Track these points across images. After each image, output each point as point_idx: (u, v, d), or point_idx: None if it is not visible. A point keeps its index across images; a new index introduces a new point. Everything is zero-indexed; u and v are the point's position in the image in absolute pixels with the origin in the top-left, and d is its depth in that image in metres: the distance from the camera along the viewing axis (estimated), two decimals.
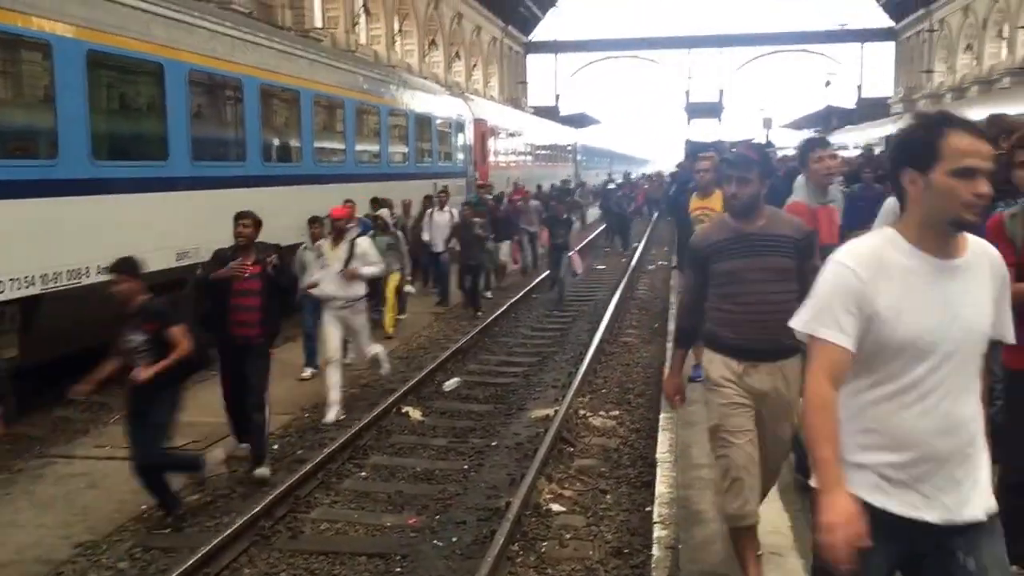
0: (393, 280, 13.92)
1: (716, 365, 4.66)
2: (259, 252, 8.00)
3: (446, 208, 17.34)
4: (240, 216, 8.04)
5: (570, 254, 17.74)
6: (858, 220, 8.60)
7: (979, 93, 45.85)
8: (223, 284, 7.91)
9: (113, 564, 6.33)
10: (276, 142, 15.22)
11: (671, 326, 9.68)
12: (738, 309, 4.55)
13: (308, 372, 11.50)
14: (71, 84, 9.69)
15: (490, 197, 21.12)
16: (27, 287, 8.98)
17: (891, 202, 6.44)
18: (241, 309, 7.90)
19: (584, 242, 27.64)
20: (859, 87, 67.45)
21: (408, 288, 14.61)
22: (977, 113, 23.48)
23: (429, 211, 17.40)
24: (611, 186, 34.88)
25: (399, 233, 14.26)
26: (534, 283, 19.04)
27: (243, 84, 13.36)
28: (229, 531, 6.37)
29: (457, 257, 16.62)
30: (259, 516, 6.75)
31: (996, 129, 6.07)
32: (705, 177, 8.89)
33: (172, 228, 11.39)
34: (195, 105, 12.30)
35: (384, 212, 14.14)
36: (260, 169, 13.83)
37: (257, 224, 8.07)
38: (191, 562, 5.88)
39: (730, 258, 4.56)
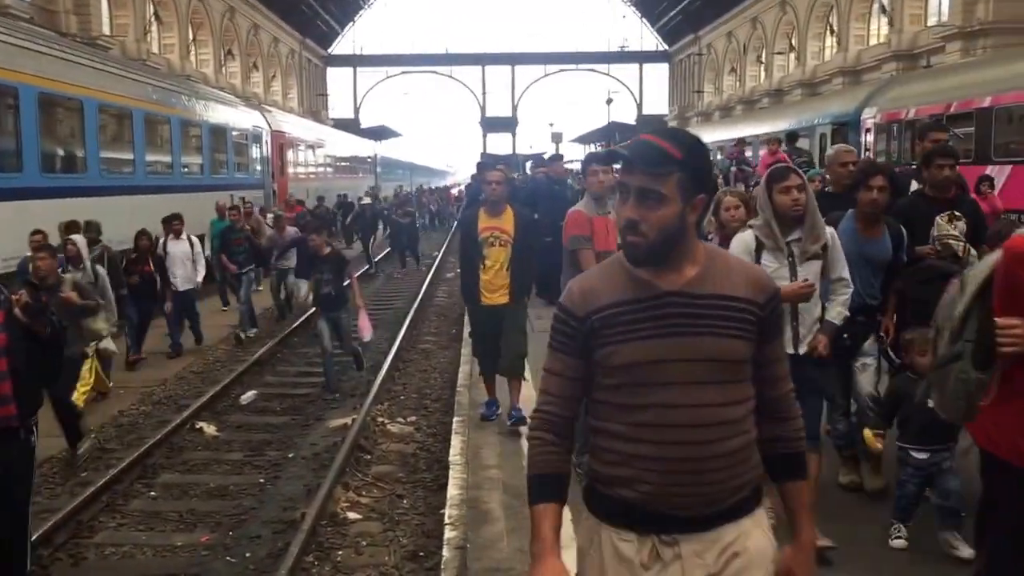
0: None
1: (601, 548, 2.47)
2: None
3: (183, 236, 13.67)
4: None
5: (358, 313, 11.74)
6: None
7: (743, 112, 49.57)
8: None
9: None
10: (59, 152, 14.57)
11: (467, 331, 9.44)
12: (646, 435, 2.38)
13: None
14: None
15: (247, 225, 15.92)
16: None
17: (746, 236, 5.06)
18: None
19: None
20: (639, 104, 71.25)
21: (108, 345, 9.88)
22: (738, 131, 25.03)
23: (162, 241, 13.56)
24: (365, 201, 30.08)
25: (99, 269, 10.21)
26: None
27: (19, 92, 12.73)
28: None
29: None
30: (36, 545, 6.38)
31: None
32: (497, 191, 7.84)
33: None
34: None
35: (78, 239, 10.34)
36: (39, 180, 13.20)
37: None
38: None
39: (632, 337, 2.39)
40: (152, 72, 22.64)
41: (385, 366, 11.76)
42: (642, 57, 73.01)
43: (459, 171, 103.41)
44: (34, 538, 6.22)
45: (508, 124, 72.91)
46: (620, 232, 2.44)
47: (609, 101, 66.94)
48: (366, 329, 11.69)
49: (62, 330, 5.41)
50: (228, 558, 6.49)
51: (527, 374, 8.14)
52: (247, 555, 6.53)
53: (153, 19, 37.83)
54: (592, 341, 2.42)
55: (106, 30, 33.29)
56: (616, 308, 2.41)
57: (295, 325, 15.12)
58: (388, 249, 28.20)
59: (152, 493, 7.85)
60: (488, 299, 7.85)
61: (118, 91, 16.47)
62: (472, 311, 8.41)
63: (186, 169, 20.05)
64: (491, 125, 73.09)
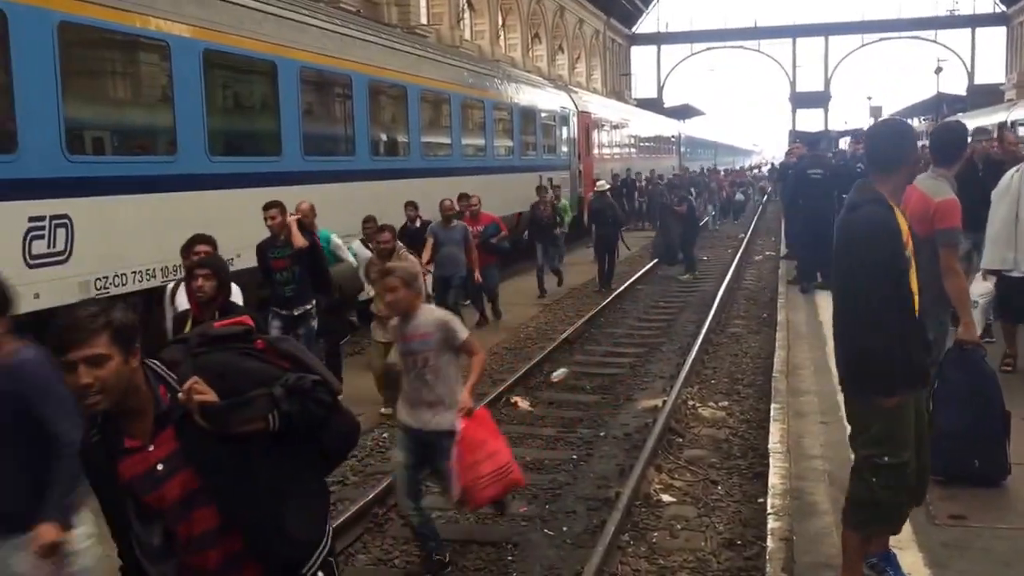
0: None
1: None
2: None
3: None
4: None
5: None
6: None
7: None
8: None
9: None
10: (384, 137, 15.44)
11: (780, 316, 8.99)
12: None
13: None
14: (188, 83, 9.98)
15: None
16: (148, 279, 9.27)
17: None
18: None
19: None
20: (970, 73, 65.79)
21: None
22: None
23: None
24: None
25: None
26: (640, 272, 18.79)
27: (352, 80, 13.58)
28: (342, 519, 6.38)
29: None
30: (372, 504, 6.84)
31: None
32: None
33: None
34: (306, 101, 12.54)
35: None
36: (369, 163, 14.04)
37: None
38: None
39: None
40: (466, 58, 23.52)
41: (694, 349, 11.64)
42: (975, 21, 67.28)
43: (764, 150, 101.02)
44: (370, 497, 6.72)
45: (820, 99, 70.10)
46: None
47: (939, 70, 62.49)
48: None
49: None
50: (546, 530, 6.62)
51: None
52: (564, 529, 6.64)
53: (466, 7, 39.40)
54: None
55: (423, 19, 34.97)
56: None
57: (603, 304, 15.29)
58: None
59: None
60: None
61: (437, 77, 17.21)
62: (911, 401, 4.25)
63: (498, 151, 20.71)
64: (801, 101, 70.61)
